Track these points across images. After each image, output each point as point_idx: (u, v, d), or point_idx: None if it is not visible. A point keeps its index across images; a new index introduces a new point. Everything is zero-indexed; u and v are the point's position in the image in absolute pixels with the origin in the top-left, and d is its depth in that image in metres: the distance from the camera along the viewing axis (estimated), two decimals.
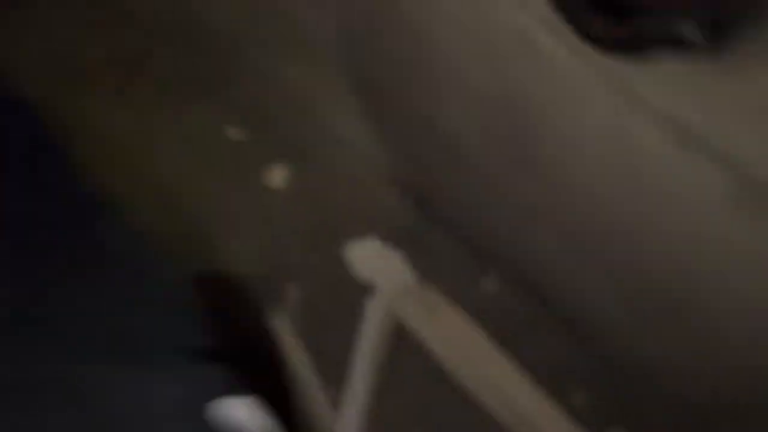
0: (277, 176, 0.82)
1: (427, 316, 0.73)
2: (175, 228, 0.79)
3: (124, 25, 0.90)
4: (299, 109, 0.83)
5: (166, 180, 0.81)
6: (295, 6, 0.77)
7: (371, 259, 0.78)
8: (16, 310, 0.64)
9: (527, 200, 0.60)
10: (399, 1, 0.58)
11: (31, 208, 0.70)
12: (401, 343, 0.74)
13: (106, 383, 0.61)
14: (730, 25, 0.37)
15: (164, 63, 0.88)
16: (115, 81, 0.86)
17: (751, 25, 0.38)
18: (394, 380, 0.73)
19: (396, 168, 0.79)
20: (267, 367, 0.70)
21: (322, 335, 0.75)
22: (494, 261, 0.76)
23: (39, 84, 0.86)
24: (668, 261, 0.50)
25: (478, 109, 0.54)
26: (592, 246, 0.58)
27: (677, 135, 0.40)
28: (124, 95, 0.86)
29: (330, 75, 0.75)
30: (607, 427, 0.72)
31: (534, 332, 0.75)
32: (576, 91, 0.43)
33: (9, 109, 0.77)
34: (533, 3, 0.44)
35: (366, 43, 0.65)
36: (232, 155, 0.83)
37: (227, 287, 0.73)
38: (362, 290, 0.77)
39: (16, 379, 0.60)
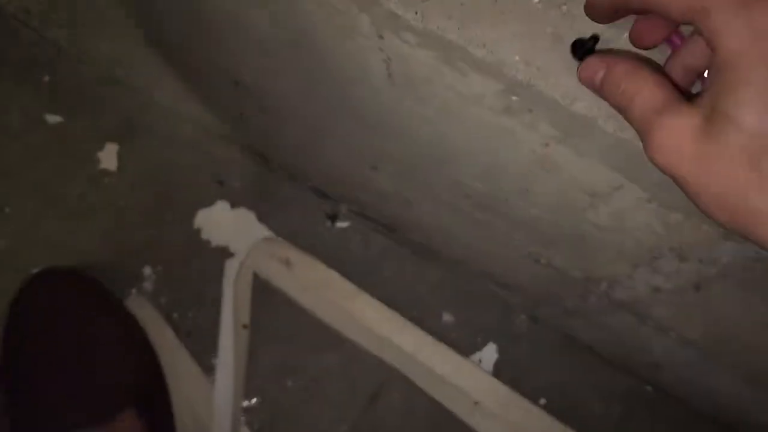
0: (109, 157, 0.76)
1: (284, 268, 0.71)
2: (12, 227, 0.73)
3: None
4: (116, 83, 0.76)
5: None
6: None
7: (222, 223, 0.74)
8: None
9: (342, 136, 0.58)
10: None
11: None
12: (264, 299, 0.72)
13: None
14: None
15: None
16: None
17: None
18: (263, 336, 0.71)
19: (229, 127, 0.74)
20: (135, 357, 0.66)
21: (186, 308, 0.72)
22: (341, 199, 0.73)
23: None
24: (475, 171, 0.49)
25: (268, 53, 0.51)
26: (410, 169, 0.56)
27: (437, 52, 0.37)
28: None
29: (134, 42, 0.69)
30: (481, 343, 0.73)
31: (391, 261, 0.73)
32: (339, 21, 0.40)
33: None
34: None
35: (154, 5, 0.59)
36: (56, 143, 0.76)
37: (77, 281, 0.67)
38: (218, 256, 0.73)
39: None
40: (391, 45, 0.39)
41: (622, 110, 0.28)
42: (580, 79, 0.30)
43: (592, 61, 0.30)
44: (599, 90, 0.29)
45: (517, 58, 0.36)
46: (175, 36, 0.61)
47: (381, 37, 0.39)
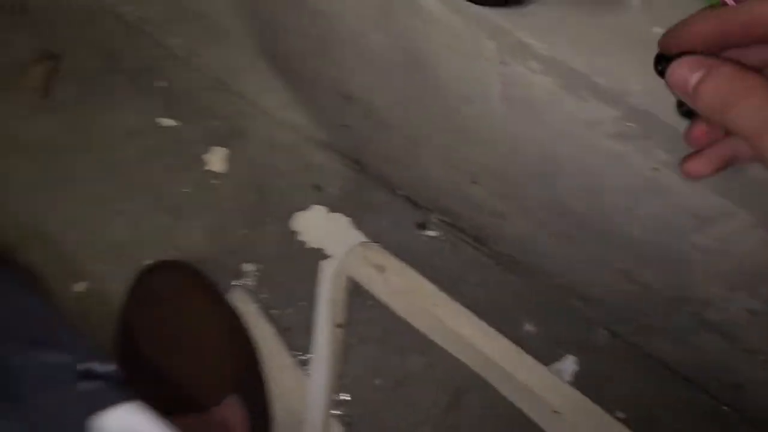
0: (216, 159, 0.80)
1: (377, 273, 0.73)
2: (126, 222, 0.78)
3: (27, 27, 0.85)
4: (225, 90, 0.81)
5: (108, 179, 0.79)
6: None
7: (318, 226, 0.77)
8: None
9: (445, 150, 0.60)
10: None
11: None
12: (356, 300, 0.74)
13: None
14: None
15: (81, 63, 0.85)
16: (32, 86, 0.83)
17: None
18: (355, 336, 0.73)
19: (330, 135, 0.77)
20: (238, 347, 0.70)
21: (284, 305, 0.75)
22: (432, 209, 0.75)
23: None
24: (577, 190, 0.50)
25: (382, 70, 0.53)
26: (511, 185, 0.57)
27: (563, 78, 0.39)
28: (45, 100, 0.83)
29: (246, 52, 0.72)
30: (561, 354, 0.73)
31: (477, 271, 0.75)
32: (462, 45, 0.42)
33: None
34: None
35: (272, 20, 0.62)
36: (169, 145, 0.80)
37: (187, 274, 0.71)
38: (314, 257, 0.76)
39: None
40: (512, 70, 0.41)
41: (718, 113, 0.26)
42: (670, 80, 0.28)
43: (689, 61, 0.27)
44: (692, 92, 0.27)
45: (639, 87, 0.37)
46: (289, 49, 0.64)
47: (503, 63, 0.41)
